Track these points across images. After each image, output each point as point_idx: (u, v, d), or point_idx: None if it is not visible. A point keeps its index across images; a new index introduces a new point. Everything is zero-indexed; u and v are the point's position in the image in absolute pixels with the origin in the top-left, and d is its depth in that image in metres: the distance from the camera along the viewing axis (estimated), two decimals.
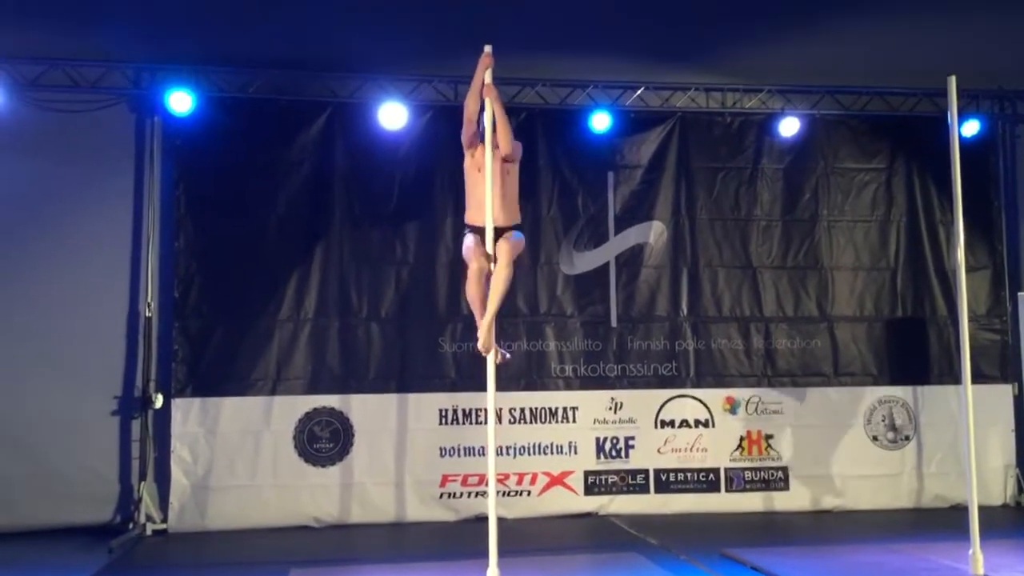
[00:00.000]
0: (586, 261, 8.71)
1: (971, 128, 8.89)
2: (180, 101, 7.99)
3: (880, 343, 8.93)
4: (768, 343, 8.81)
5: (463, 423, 8.34)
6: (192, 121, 8.10)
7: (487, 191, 5.47)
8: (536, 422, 8.48)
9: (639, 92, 8.81)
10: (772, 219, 8.93)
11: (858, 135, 9.09)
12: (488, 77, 5.52)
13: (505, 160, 5.57)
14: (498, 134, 5.51)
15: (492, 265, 5.52)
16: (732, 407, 8.73)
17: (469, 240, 5.66)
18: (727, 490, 8.62)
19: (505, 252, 5.53)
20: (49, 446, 7.86)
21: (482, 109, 5.55)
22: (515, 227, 5.67)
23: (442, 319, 8.41)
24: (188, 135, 8.16)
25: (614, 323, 8.67)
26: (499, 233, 5.54)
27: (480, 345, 5.55)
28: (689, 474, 8.62)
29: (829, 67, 8.85)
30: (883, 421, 8.86)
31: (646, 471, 8.57)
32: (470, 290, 5.65)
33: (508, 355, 5.82)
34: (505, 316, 7.48)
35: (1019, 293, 9.01)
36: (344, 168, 8.41)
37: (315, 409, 8.20)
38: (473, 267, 5.58)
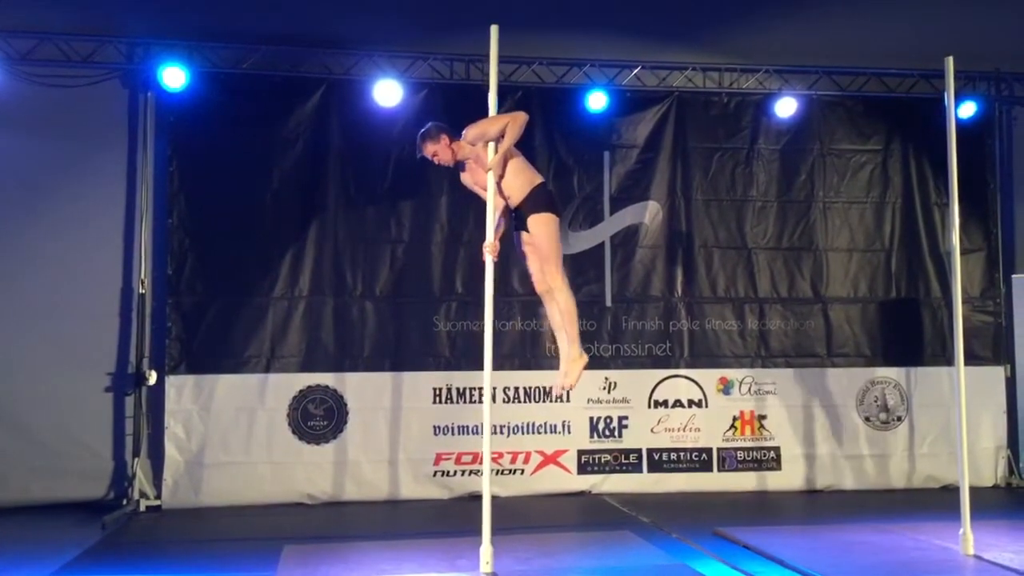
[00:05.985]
0: (581, 241, 8.68)
1: (968, 110, 8.86)
2: (174, 76, 7.91)
3: (874, 324, 8.94)
4: (762, 324, 8.81)
5: (457, 402, 8.34)
6: (186, 97, 8.03)
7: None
8: (530, 401, 8.48)
9: (636, 71, 8.77)
10: (768, 200, 8.91)
11: (854, 116, 9.05)
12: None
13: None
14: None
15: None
16: (725, 387, 8.75)
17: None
18: (720, 470, 8.65)
19: (553, 276, 5.55)
20: (42, 422, 7.85)
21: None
22: (535, 193, 5.72)
23: (437, 298, 8.39)
24: (182, 111, 8.09)
25: (608, 303, 8.67)
26: (522, 213, 5.66)
27: (560, 383, 5.61)
28: (682, 454, 8.64)
29: (826, 48, 8.85)
30: (875, 402, 8.89)
31: (639, 451, 8.59)
32: (549, 314, 5.83)
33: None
34: (499, 295, 7.46)
35: (1013, 275, 9.02)
36: (339, 145, 8.35)
37: (309, 387, 8.20)
38: (539, 288, 5.74)
